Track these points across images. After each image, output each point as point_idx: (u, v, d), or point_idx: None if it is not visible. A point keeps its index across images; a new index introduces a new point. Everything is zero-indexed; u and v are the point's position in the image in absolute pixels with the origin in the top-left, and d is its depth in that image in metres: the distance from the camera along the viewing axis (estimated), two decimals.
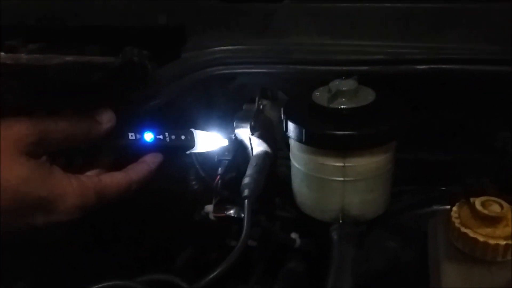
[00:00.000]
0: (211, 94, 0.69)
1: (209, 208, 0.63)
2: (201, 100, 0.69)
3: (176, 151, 0.56)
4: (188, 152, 0.54)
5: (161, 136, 0.53)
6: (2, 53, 0.61)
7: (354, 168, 0.56)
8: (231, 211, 0.63)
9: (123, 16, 0.66)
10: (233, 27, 0.66)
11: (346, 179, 0.57)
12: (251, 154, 0.62)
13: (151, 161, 0.54)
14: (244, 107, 0.66)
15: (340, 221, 0.58)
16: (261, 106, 0.66)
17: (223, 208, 0.63)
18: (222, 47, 0.65)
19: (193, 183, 0.67)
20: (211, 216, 0.62)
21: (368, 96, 0.57)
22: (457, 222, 0.46)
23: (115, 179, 0.51)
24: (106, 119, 0.50)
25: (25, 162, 0.44)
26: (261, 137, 0.62)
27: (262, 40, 0.65)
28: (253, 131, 0.62)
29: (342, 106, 0.55)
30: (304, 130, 0.55)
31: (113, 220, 0.65)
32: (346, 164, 0.56)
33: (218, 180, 0.59)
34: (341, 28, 0.63)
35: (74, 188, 0.46)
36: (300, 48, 0.65)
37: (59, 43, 0.62)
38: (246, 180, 0.57)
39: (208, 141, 0.56)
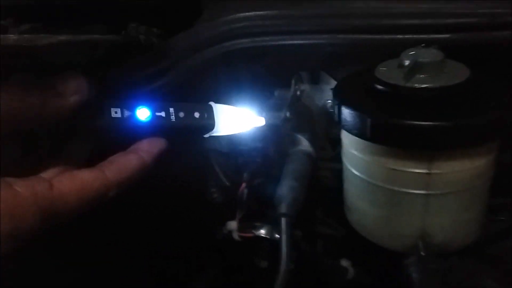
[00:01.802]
0: (232, 76, 0.54)
1: (233, 225, 0.55)
2: (218, 84, 0.54)
3: (188, 135, 0.42)
4: (206, 136, 0.40)
5: (162, 113, 0.38)
6: None
7: (444, 176, 0.40)
8: (261, 231, 0.56)
9: None
10: None
11: (430, 192, 0.41)
12: (286, 154, 0.53)
13: (145, 150, 0.38)
14: (276, 94, 0.56)
15: (421, 253, 0.41)
16: (298, 92, 0.55)
17: (250, 226, 0.56)
18: (246, 13, 0.51)
19: (212, 190, 0.61)
20: (236, 236, 0.55)
21: (458, 72, 0.41)
22: None
23: (79, 182, 0.34)
24: (73, 89, 0.35)
25: None
26: (299, 132, 0.54)
27: (299, 5, 0.53)
28: (288, 124, 0.53)
29: (426, 85, 0.39)
30: (369, 121, 0.39)
31: (107, 233, 0.56)
32: (432, 171, 0.40)
33: (243, 189, 0.52)
34: None
35: None
36: (352, 12, 0.49)
37: (56, 23, 0.56)
38: (282, 190, 0.48)
39: (235, 119, 0.41)
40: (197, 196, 0.62)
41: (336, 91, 0.45)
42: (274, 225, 0.55)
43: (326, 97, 0.55)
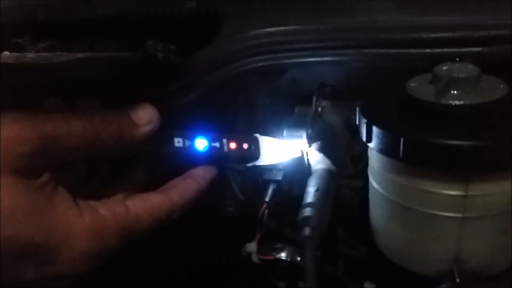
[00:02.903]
0: (252, 93, 0.52)
1: (252, 246, 0.52)
2: (238, 102, 0.52)
3: (235, 163, 0.46)
4: (250, 165, 0.43)
5: (217, 144, 0.41)
6: (6, 52, 0.59)
7: (481, 199, 0.38)
8: (282, 254, 0.53)
9: (145, 2, 0.57)
10: (280, 6, 0.52)
11: (466, 215, 0.39)
12: (308, 173, 0.51)
13: (201, 176, 0.41)
14: (296, 110, 0.55)
15: (456, 279, 0.38)
16: (319, 109, 0.54)
17: (271, 248, 0.53)
18: (266, 29, 0.49)
19: (230, 209, 0.60)
20: (255, 258, 0.52)
21: (495, 87, 0.40)
22: None
23: (150, 205, 0.37)
24: (146, 119, 0.36)
25: (13, 185, 0.30)
26: (321, 149, 0.52)
27: (322, 19, 0.51)
28: (310, 141, 0.51)
29: (462, 102, 0.37)
30: (402, 140, 0.37)
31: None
32: (469, 193, 0.38)
33: (265, 210, 0.49)
34: (432, 1, 0.48)
35: (86, 226, 0.33)
36: (377, 25, 0.47)
37: (74, 39, 0.59)
38: (306, 212, 0.46)
39: (277, 151, 0.44)
40: (214, 216, 0.60)
41: (364, 108, 0.42)
42: (295, 247, 0.53)
43: (348, 113, 0.53)
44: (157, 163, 0.42)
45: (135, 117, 0.36)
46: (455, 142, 0.35)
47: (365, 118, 0.41)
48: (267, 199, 0.50)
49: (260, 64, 0.51)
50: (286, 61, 0.51)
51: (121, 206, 0.35)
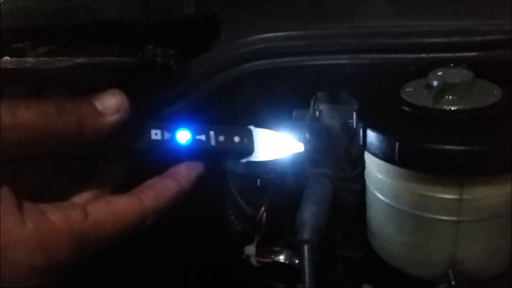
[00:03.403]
0: (250, 97, 0.52)
1: (251, 250, 0.53)
2: (237, 106, 0.52)
3: (226, 159, 0.41)
4: (244, 161, 0.38)
5: (202, 137, 0.35)
6: (6, 57, 0.58)
7: (476, 202, 0.38)
8: (280, 257, 0.54)
9: (144, 8, 0.58)
10: (277, 12, 0.53)
11: (461, 218, 0.39)
12: (305, 177, 0.49)
13: (183, 175, 0.35)
14: (294, 114, 0.55)
15: (451, 281, 0.39)
16: (317, 113, 0.53)
17: (269, 251, 0.53)
18: (264, 35, 0.50)
19: (229, 212, 0.59)
20: (253, 261, 0.53)
21: (490, 92, 0.40)
22: None
23: (115, 210, 0.31)
24: (112, 107, 0.31)
25: None
26: (319, 153, 0.51)
27: (319, 25, 0.52)
28: (308, 146, 0.49)
29: (456, 107, 0.38)
30: (397, 145, 0.37)
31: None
32: (463, 197, 0.38)
33: (262, 213, 0.51)
34: (428, 6, 0.49)
35: (28, 234, 0.27)
36: (373, 31, 0.48)
37: (73, 45, 0.59)
38: (304, 215, 0.45)
39: (274, 144, 0.38)
40: (213, 217, 0.60)
41: (360, 113, 0.43)
42: (293, 250, 0.54)
43: (346, 117, 0.53)
44: (133, 159, 0.37)
45: (100, 105, 0.31)
46: (449, 147, 0.36)
47: (361, 122, 0.42)
48: (265, 203, 0.50)
49: (258, 68, 0.51)
50: (283, 65, 0.51)
51: (78, 211, 0.29)
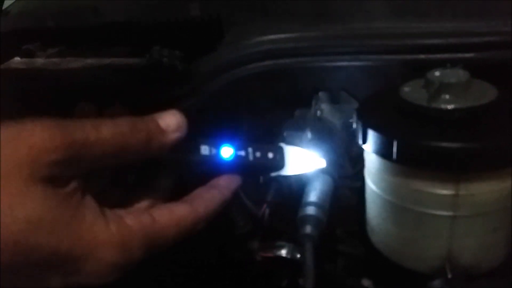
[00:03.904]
0: (253, 97, 0.54)
1: (254, 245, 0.55)
2: (241, 106, 0.53)
3: (259, 173, 0.45)
4: (274, 175, 0.42)
5: (242, 153, 0.39)
6: (17, 58, 0.60)
7: (472, 198, 0.39)
8: (283, 251, 0.54)
9: (150, 10, 0.60)
10: (281, 14, 0.55)
11: (458, 214, 0.40)
12: (307, 174, 0.51)
13: (225, 186, 0.39)
14: (296, 113, 0.56)
15: (448, 275, 0.40)
16: (318, 112, 0.55)
17: (271, 246, 0.54)
18: (268, 36, 0.51)
19: (232, 208, 0.58)
20: (257, 256, 0.54)
21: (485, 92, 0.41)
22: None
23: (176, 216, 0.35)
24: (174, 126, 0.35)
25: (42, 194, 0.28)
26: (320, 151, 0.50)
27: (320, 27, 0.53)
28: (310, 144, 0.52)
29: (452, 106, 0.39)
30: (395, 142, 0.38)
31: None
32: (459, 193, 0.39)
33: (265, 209, 0.51)
34: (426, 8, 0.51)
35: (113, 237, 0.31)
36: (373, 32, 0.49)
37: (82, 46, 0.60)
38: (306, 210, 0.48)
39: (301, 161, 0.42)
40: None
41: (360, 112, 0.44)
42: (295, 245, 0.55)
43: (346, 116, 0.55)
44: (182, 171, 0.41)
45: (164, 124, 0.35)
46: (445, 144, 0.37)
47: (361, 121, 0.43)
48: (268, 198, 0.51)
49: (261, 69, 0.53)
50: (285, 66, 0.53)
51: (147, 216, 0.33)
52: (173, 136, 0.35)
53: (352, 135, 0.50)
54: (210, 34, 0.56)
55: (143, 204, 0.36)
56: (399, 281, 0.47)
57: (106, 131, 0.31)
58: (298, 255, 0.54)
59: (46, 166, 0.28)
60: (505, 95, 0.40)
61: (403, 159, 0.39)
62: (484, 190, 0.39)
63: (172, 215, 0.35)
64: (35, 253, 0.28)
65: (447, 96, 0.40)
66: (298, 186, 0.52)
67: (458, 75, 0.40)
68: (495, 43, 0.45)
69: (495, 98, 0.39)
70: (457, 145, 0.37)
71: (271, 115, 0.56)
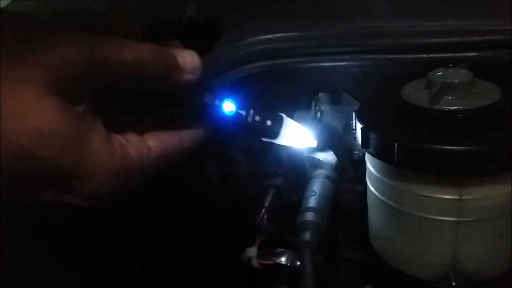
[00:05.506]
0: (252, 98, 0.52)
1: (252, 251, 0.52)
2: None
3: (252, 135, 0.42)
4: (266, 140, 0.40)
5: (243, 112, 0.38)
6: None
7: (476, 202, 0.38)
8: (282, 258, 0.53)
9: (145, 11, 0.58)
10: (278, 13, 0.53)
11: (462, 219, 0.39)
12: (307, 177, 0.52)
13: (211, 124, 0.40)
14: (296, 115, 0.55)
15: (452, 282, 0.39)
16: (318, 114, 0.54)
17: (270, 253, 0.53)
18: (265, 36, 0.50)
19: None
20: (255, 263, 0.52)
21: (489, 92, 0.39)
22: None
23: (168, 148, 0.36)
24: (191, 67, 0.35)
25: (55, 107, 0.28)
26: (320, 153, 0.53)
27: (320, 26, 0.52)
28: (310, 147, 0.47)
29: (455, 107, 0.38)
30: (396, 145, 0.37)
31: None
32: (463, 197, 0.38)
33: (263, 214, 0.49)
34: (428, 7, 0.49)
35: (116, 163, 0.32)
36: (374, 31, 0.48)
37: None
38: (305, 216, 0.47)
39: (295, 135, 0.41)
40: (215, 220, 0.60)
41: (360, 114, 0.43)
42: (294, 251, 0.53)
43: (347, 118, 0.53)
44: (181, 113, 0.40)
45: (182, 62, 0.35)
46: (448, 147, 0.36)
47: (361, 123, 0.42)
48: (266, 204, 0.50)
49: (259, 70, 0.52)
50: (284, 66, 0.51)
51: (145, 146, 0.34)
52: (187, 77, 0.35)
53: (354, 138, 0.49)
54: (207, 34, 0.55)
55: (139, 132, 0.36)
56: (401, 287, 0.46)
57: (128, 55, 0.31)
58: (298, 263, 0.52)
59: (64, 79, 0.28)
60: (509, 95, 0.39)
61: (405, 163, 0.38)
62: (489, 194, 0.38)
63: (165, 147, 0.35)
64: (38, 165, 0.28)
65: (449, 97, 0.39)
66: (298, 191, 0.52)
67: (461, 75, 0.39)
68: (498, 42, 0.44)
69: (499, 98, 0.38)
70: (460, 147, 0.36)
71: None
